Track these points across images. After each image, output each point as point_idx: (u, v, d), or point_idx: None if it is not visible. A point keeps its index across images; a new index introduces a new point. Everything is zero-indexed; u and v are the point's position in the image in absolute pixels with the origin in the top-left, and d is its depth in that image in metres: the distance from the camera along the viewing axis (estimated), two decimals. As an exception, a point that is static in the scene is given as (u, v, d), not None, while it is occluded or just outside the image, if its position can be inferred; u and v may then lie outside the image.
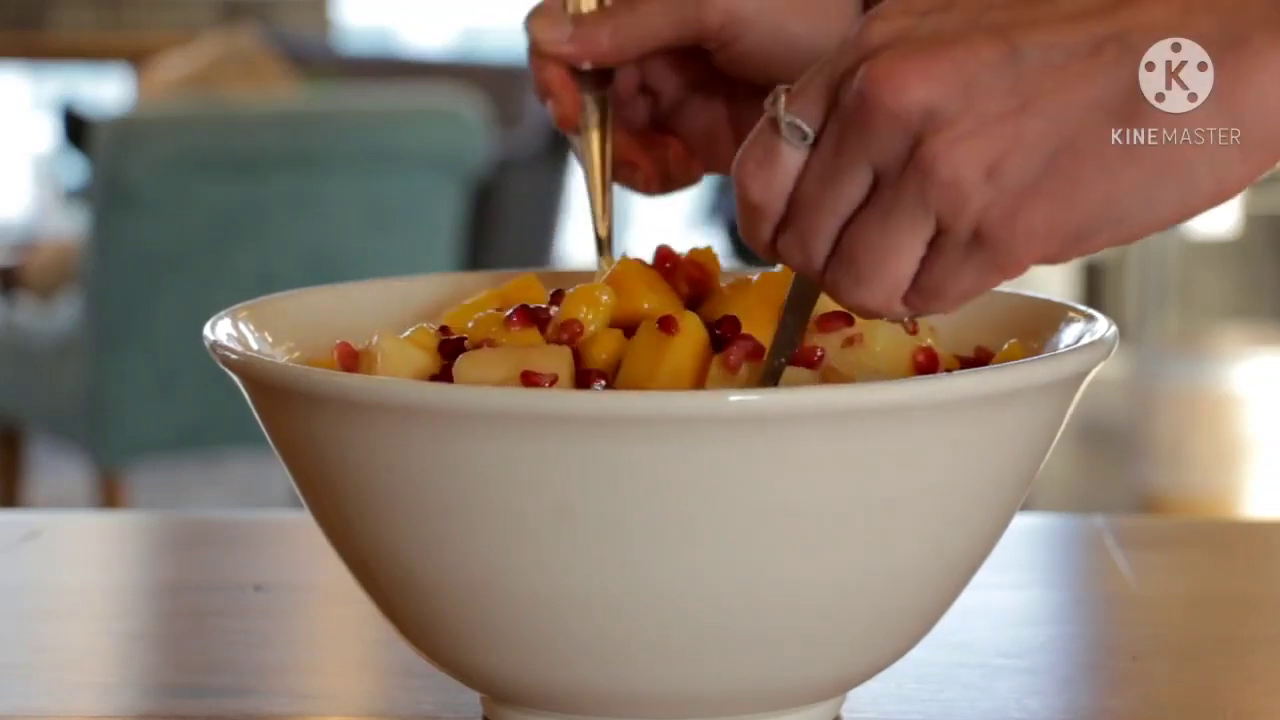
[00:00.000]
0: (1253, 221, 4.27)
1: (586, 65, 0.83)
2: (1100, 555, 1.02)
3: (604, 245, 0.84)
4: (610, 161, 0.84)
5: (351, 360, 0.75)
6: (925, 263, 0.64)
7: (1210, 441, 3.80)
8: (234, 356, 0.72)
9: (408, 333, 0.76)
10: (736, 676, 0.70)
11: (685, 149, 0.87)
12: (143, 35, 5.70)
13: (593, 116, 0.84)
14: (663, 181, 0.87)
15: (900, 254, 0.64)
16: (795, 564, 0.67)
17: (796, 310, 0.70)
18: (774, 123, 0.65)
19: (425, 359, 0.74)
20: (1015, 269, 0.65)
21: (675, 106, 0.87)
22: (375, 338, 0.75)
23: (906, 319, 0.70)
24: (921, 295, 0.65)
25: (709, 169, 0.87)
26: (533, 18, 0.84)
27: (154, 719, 0.80)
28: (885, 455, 0.66)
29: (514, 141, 3.91)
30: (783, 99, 0.65)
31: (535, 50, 0.84)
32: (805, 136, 0.64)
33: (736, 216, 0.67)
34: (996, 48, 0.62)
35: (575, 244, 5.25)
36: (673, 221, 5.52)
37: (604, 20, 0.83)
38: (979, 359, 0.77)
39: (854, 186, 0.64)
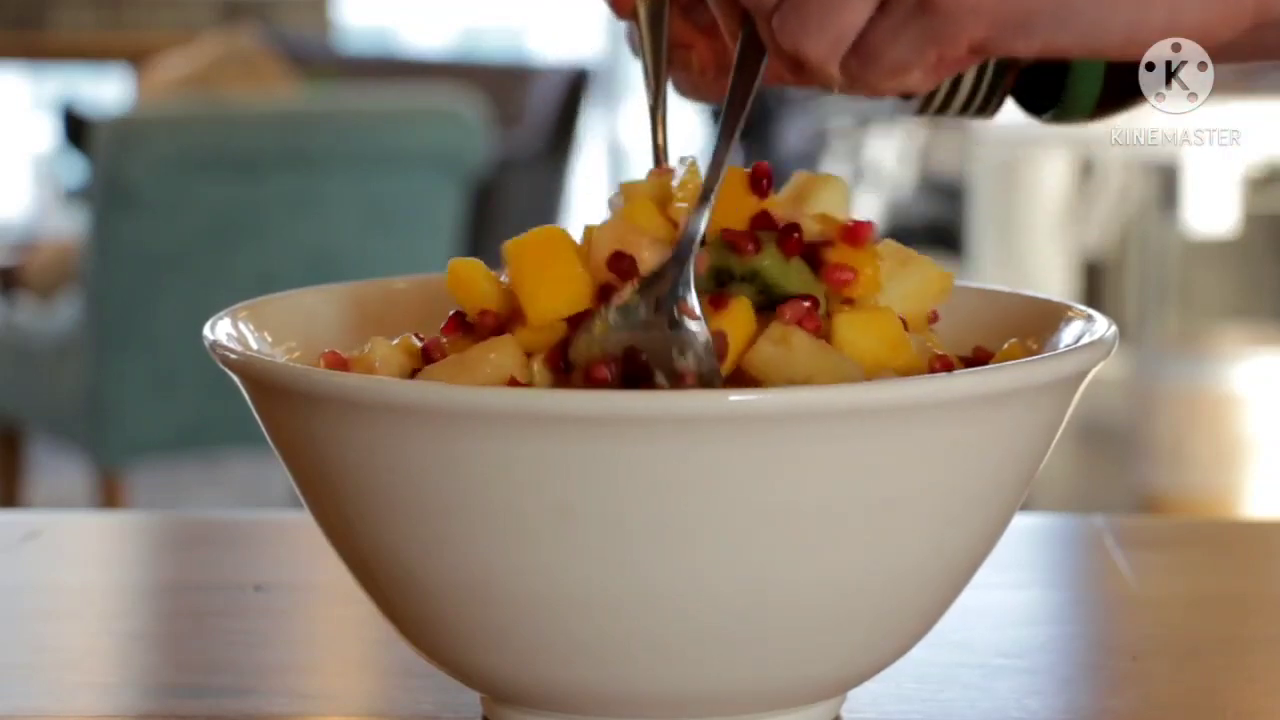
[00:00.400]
0: (1253, 221, 4.27)
1: None
2: (1100, 555, 1.02)
3: (660, 155, 0.82)
4: (665, 54, 0.83)
5: (341, 367, 0.75)
6: (870, 23, 0.66)
7: (1210, 441, 3.80)
8: (234, 356, 0.72)
9: (396, 340, 0.76)
10: (736, 676, 0.70)
11: None
12: (143, 35, 5.70)
13: (653, 12, 0.82)
14: (718, 68, 0.85)
15: (852, 2, 0.65)
16: (795, 564, 0.67)
17: (745, 68, 0.71)
18: None
19: (415, 365, 0.75)
20: (950, 45, 0.66)
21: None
22: (368, 345, 0.75)
23: (835, 89, 0.70)
24: (859, 58, 0.67)
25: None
26: None
27: (154, 719, 0.80)
28: (885, 455, 0.66)
29: (514, 141, 3.92)
30: None
31: None
32: None
33: None
34: None
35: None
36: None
37: None
38: (979, 359, 0.77)
39: None
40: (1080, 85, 0.85)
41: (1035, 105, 0.88)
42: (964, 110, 0.88)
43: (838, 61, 0.67)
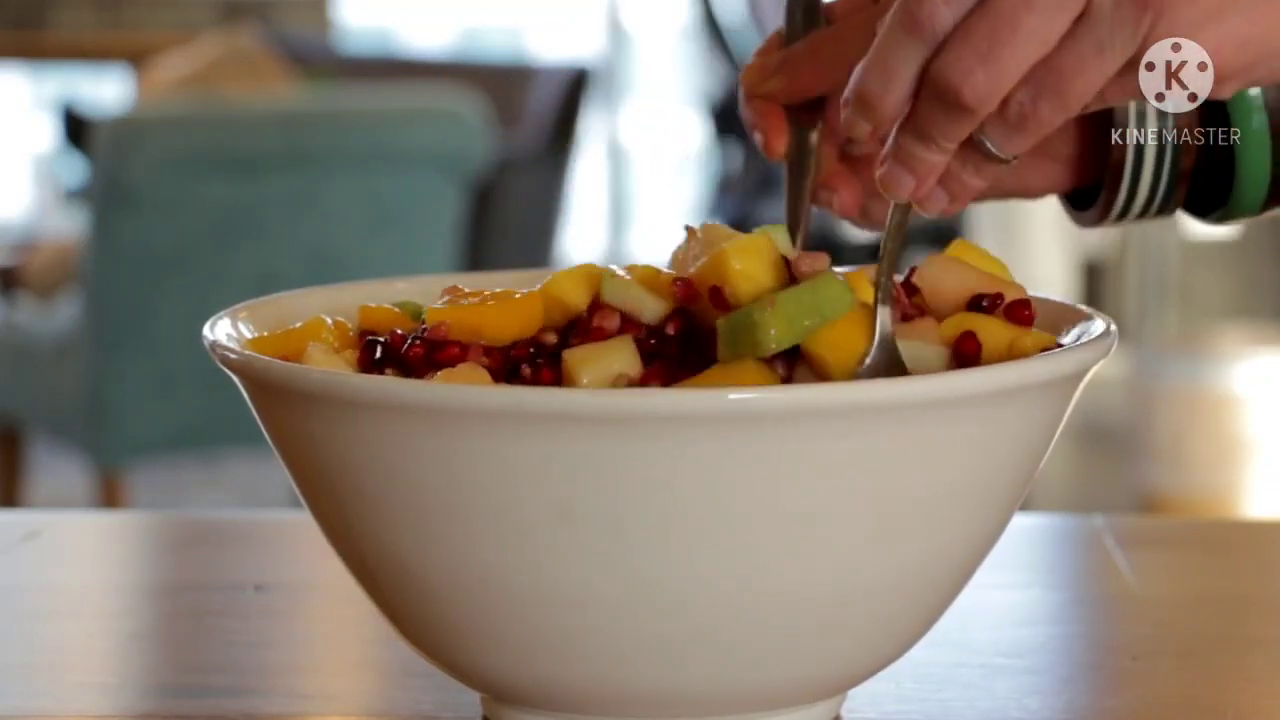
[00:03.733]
0: (1253, 221, 4.27)
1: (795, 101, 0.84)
2: (1100, 555, 1.02)
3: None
4: (809, 191, 0.84)
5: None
6: (1064, 40, 0.62)
7: (1210, 441, 3.80)
8: (234, 356, 0.72)
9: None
10: (736, 676, 0.70)
11: None
12: (143, 35, 5.70)
13: (798, 149, 0.84)
14: (861, 211, 0.87)
15: (1047, 19, 0.61)
16: (795, 564, 0.67)
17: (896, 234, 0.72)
18: None
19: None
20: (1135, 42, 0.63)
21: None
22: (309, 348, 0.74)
23: (992, 145, 0.67)
24: (1039, 84, 0.63)
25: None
26: (745, 68, 0.85)
27: (154, 719, 0.80)
28: (884, 455, 0.66)
29: (514, 141, 3.92)
30: None
31: (746, 93, 0.84)
32: None
33: None
34: None
35: (575, 244, 5.25)
36: (674, 220, 5.52)
37: (808, 54, 0.83)
38: (979, 359, 0.77)
39: None
40: (1247, 188, 0.84)
41: (1201, 207, 0.87)
42: (1140, 215, 0.87)
43: (1001, 97, 0.63)
